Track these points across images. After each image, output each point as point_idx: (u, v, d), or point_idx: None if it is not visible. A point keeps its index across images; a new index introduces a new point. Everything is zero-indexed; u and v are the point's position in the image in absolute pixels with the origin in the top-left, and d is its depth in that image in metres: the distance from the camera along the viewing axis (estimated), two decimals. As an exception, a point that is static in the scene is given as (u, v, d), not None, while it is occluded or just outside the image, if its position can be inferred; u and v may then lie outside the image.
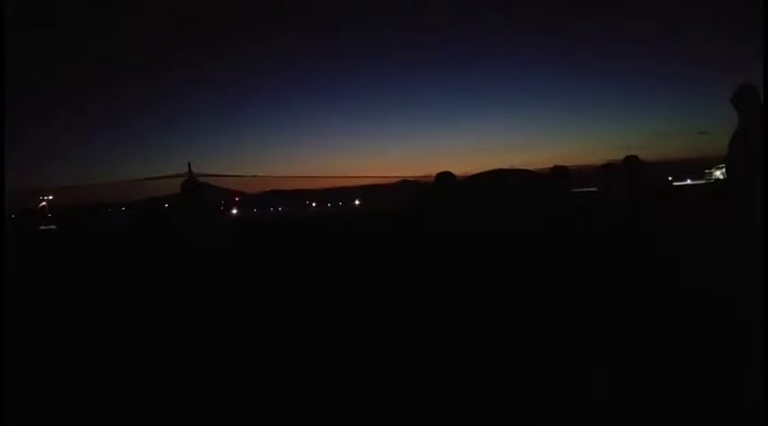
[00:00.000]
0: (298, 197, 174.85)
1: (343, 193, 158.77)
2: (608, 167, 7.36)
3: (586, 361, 2.88)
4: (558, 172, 6.45)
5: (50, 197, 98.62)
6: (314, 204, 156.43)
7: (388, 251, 6.49)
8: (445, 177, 5.89)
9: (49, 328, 4.59)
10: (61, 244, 20.57)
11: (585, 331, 3.39)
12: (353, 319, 4.23)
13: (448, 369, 2.92)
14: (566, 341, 3.26)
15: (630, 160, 6.89)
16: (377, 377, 2.87)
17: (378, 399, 2.59)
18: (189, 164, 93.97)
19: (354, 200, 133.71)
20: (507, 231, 5.31)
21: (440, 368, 2.95)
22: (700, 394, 2.38)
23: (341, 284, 5.81)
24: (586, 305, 3.99)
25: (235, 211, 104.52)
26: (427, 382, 2.75)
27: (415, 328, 3.77)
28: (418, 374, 2.87)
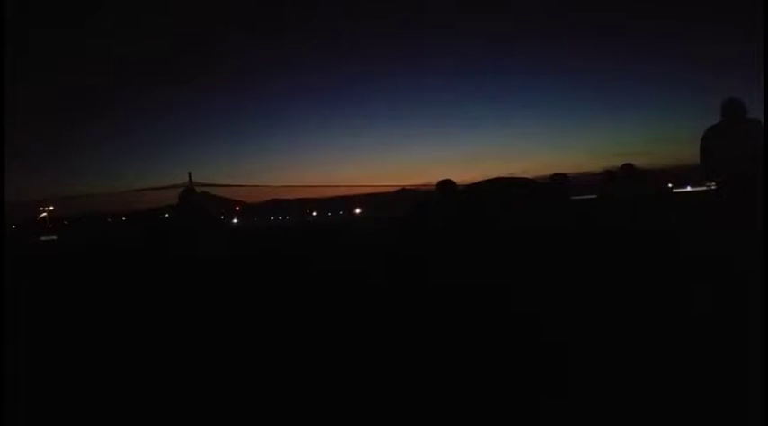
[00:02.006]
0: (298, 206, 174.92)
1: (344, 202, 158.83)
2: (608, 174, 7.40)
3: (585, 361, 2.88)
4: (558, 179, 6.48)
5: (51, 207, 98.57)
6: (314, 213, 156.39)
7: (394, 256, 6.50)
8: (446, 185, 5.91)
9: (53, 334, 4.59)
10: (62, 255, 20.56)
11: (583, 331, 3.39)
12: (354, 320, 4.23)
13: (446, 367, 2.92)
14: (564, 340, 3.26)
15: (627, 168, 6.93)
16: (376, 376, 2.87)
17: (376, 397, 2.59)
18: (189, 174, 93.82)
19: (355, 209, 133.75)
20: (508, 237, 5.33)
21: (438, 366, 2.95)
22: (697, 395, 2.38)
23: (343, 287, 5.80)
24: (584, 306, 4.01)
25: (235, 220, 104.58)
26: (426, 380, 2.74)
27: (414, 328, 3.78)
28: (417, 372, 2.87)
